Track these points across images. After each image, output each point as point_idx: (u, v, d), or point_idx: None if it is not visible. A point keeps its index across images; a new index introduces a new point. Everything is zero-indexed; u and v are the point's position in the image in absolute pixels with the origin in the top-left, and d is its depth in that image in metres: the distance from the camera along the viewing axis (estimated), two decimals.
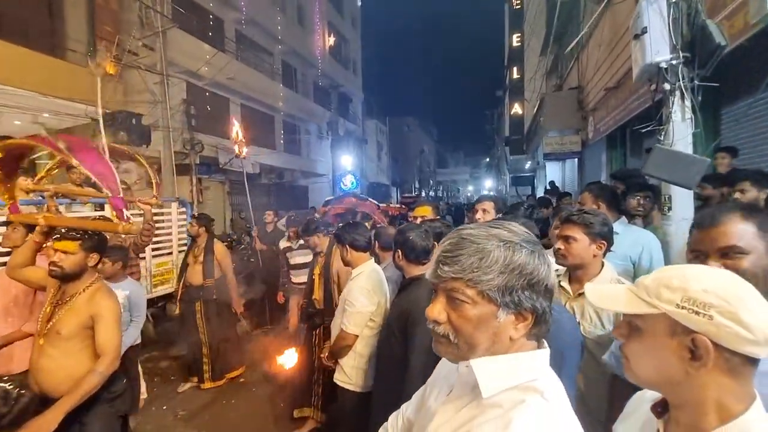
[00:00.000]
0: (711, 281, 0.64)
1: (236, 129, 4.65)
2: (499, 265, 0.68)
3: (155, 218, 4.57)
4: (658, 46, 2.60)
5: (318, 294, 3.25)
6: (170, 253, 4.90)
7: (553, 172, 12.73)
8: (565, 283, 1.72)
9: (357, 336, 2.30)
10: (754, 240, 1.00)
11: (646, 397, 0.81)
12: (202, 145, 10.15)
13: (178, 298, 4.04)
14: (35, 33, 7.31)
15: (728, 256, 1.02)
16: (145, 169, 2.93)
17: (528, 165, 18.25)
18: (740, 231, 1.02)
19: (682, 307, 0.64)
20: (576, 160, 9.94)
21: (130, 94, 8.96)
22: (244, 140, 4.14)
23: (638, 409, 0.83)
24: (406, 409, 1.01)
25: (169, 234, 4.94)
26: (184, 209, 5.12)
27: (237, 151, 4.51)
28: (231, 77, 11.44)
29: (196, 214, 4.63)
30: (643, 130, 2.73)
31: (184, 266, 4.12)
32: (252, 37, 13.87)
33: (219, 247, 4.13)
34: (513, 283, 0.68)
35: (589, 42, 8.11)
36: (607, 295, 0.78)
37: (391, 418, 1.05)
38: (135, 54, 8.66)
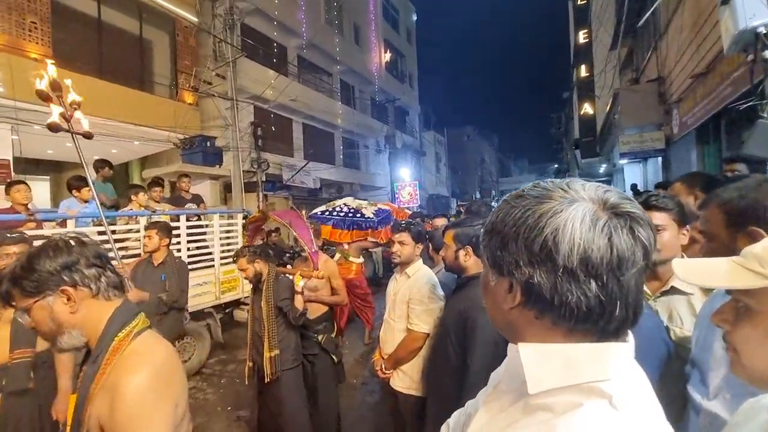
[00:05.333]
0: None
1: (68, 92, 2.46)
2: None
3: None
4: (753, 9, 2.18)
5: None
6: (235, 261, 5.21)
7: (632, 174, 11.49)
8: None
9: (428, 335, 2.16)
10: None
11: (763, 404, 0.60)
12: (267, 163, 10.82)
13: None
14: (129, 72, 8.42)
15: None
16: None
17: (602, 169, 16.77)
18: None
19: None
20: (659, 159, 8.89)
21: (205, 120, 9.89)
22: (75, 103, 2.22)
23: (753, 418, 0.62)
24: (471, 404, 0.88)
25: (238, 243, 5.25)
26: None
27: (59, 114, 2.33)
28: (293, 99, 12.13)
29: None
30: (742, 107, 2.29)
31: None
32: (312, 60, 14.63)
33: None
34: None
35: (668, 28, 7.31)
36: (700, 269, 0.59)
37: (454, 414, 0.92)
38: (209, 83, 9.57)
